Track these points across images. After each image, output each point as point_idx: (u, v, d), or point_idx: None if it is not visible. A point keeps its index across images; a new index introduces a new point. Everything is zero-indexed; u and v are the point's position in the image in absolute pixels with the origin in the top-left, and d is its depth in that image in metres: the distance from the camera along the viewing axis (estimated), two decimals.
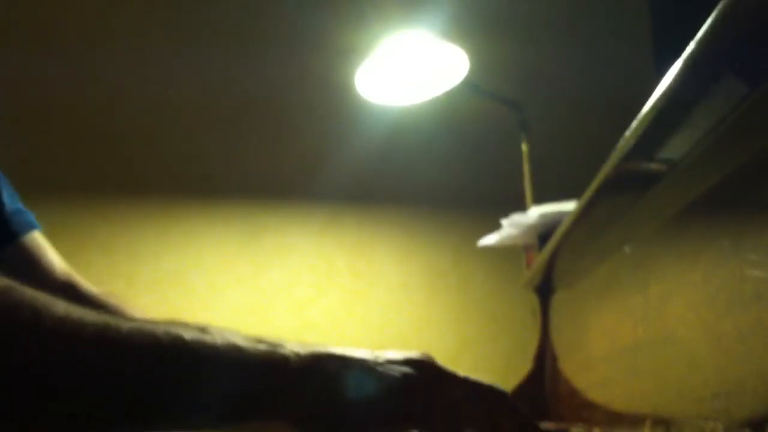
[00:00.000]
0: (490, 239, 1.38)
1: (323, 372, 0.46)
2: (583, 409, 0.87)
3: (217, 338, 0.44)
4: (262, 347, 0.45)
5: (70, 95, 2.29)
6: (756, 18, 0.40)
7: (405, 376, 0.47)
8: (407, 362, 0.48)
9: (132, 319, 0.43)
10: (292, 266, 2.50)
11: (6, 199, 0.78)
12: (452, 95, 1.90)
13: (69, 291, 0.76)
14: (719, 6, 0.41)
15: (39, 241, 0.79)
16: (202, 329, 0.44)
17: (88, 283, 0.80)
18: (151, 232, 2.42)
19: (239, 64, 2.32)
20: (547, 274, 1.09)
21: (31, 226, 0.79)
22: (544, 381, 1.14)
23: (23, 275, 0.45)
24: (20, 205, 0.79)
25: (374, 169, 2.52)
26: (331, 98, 2.34)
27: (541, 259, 1.03)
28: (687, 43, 0.45)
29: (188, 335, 0.43)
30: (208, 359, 0.43)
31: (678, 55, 0.46)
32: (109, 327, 0.41)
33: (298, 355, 0.46)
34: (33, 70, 2.19)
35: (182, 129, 2.44)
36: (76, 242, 2.27)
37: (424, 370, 0.48)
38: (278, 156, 2.51)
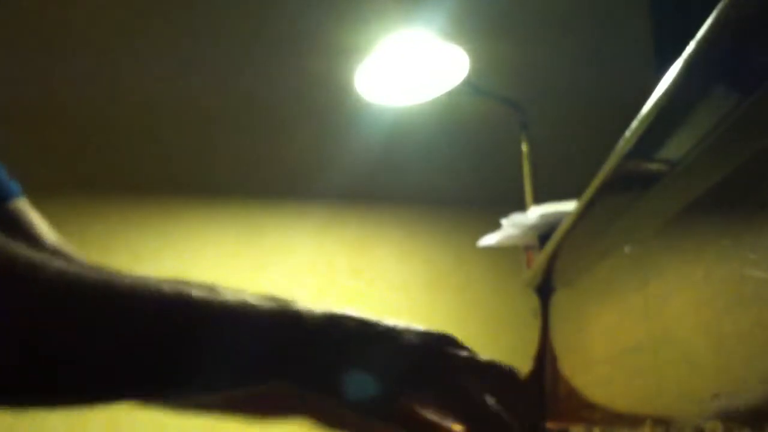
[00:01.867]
0: (490, 239, 1.38)
1: (337, 331, 0.44)
2: (583, 409, 0.87)
3: (227, 295, 0.42)
4: (273, 304, 0.43)
5: (70, 95, 2.29)
6: (756, 18, 0.40)
7: (424, 344, 0.45)
8: (427, 334, 0.46)
9: (136, 276, 0.41)
10: (292, 266, 2.50)
11: None
12: (452, 95, 1.90)
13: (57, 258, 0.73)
14: (719, 6, 0.41)
15: (25, 208, 0.73)
16: (211, 288, 0.42)
17: (79, 255, 0.74)
18: (151, 232, 2.42)
19: (239, 64, 2.32)
20: (547, 274, 1.09)
21: (16, 193, 0.73)
22: (544, 381, 1.14)
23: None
24: (3, 174, 0.73)
25: (374, 169, 2.52)
26: (331, 98, 2.34)
27: (541, 259, 1.03)
28: (687, 43, 0.45)
29: (196, 292, 0.41)
30: (218, 315, 0.41)
31: (678, 55, 0.46)
32: (112, 281, 0.40)
33: (311, 313, 0.44)
34: (33, 70, 2.19)
35: (182, 129, 2.44)
36: (77, 242, 2.26)
37: (444, 343, 0.46)
38: (278, 156, 2.51)
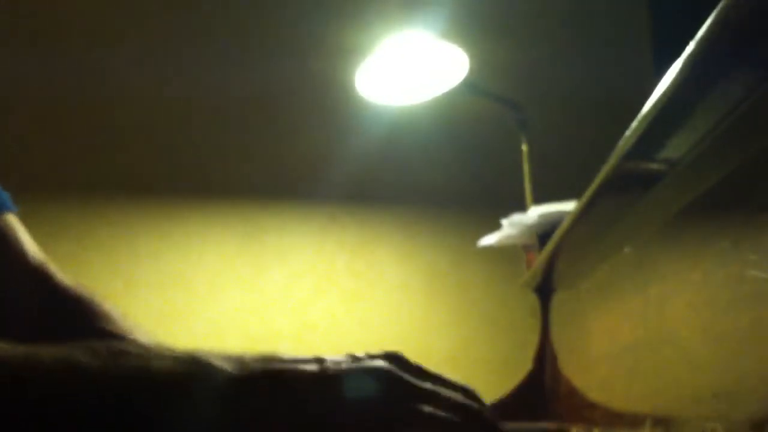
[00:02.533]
0: (490, 239, 1.38)
1: (254, 381, 0.40)
2: (583, 409, 0.87)
3: (132, 362, 0.38)
4: (181, 365, 0.40)
5: (70, 95, 2.29)
6: (756, 18, 0.40)
7: (360, 391, 0.41)
8: (366, 371, 0.42)
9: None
10: (292, 266, 2.50)
11: None
12: (452, 95, 1.90)
13: (40, 281, 0.70)
14: (719, 6, 0.41)
15: (12, 224, 0.70)
16: (94, 352, 0.38)
17: (62, 275, 0.73)
18: (151, 232, 2.42)
19: (239, 64, 2.32)
20: (547, 275, 1.09)
21: (4, 206, 0.71)
22: (544, 381, 1.14)
23: None
24: None
25: (374, 169, 2.52)
26: (331, 98, 2.34)
27: (541, 259, 1.03)
28: (687, 43, 0.45)
29: (49, 358, 0.37)
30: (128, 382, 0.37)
31: (678, 55, 0.46)
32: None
33: (224, 373, 0.40)
34: (33, 70, 2.19)
35: (182, 129, 2.44)
36: (76, 242, 2.27)
37: (385, 379, 0.42)
38: (278, 156, 2.51)
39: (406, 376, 0.43)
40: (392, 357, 0.45)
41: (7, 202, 0.71)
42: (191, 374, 0.39)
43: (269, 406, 0.40)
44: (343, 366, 0.42)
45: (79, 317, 0.69)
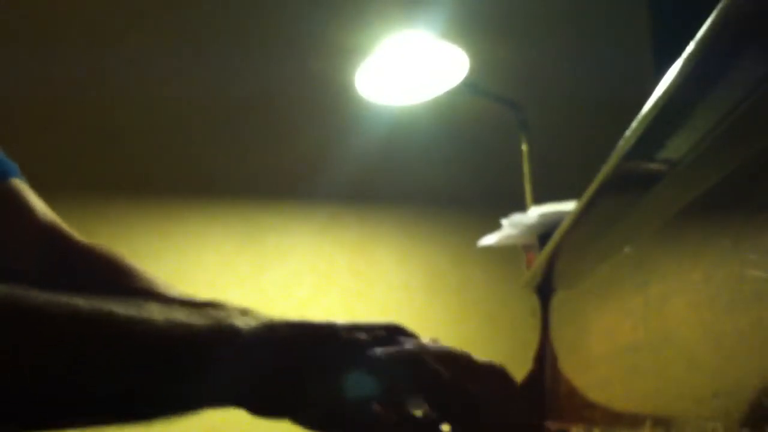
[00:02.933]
0: (490, 239, 1.38)
1: (279, 343, 0.41)
2: (583, 409, 0.87)
3: (155, 314, 0.39)
4: (206, 320, 0.41)
5: (70, 95, 2.29)
6: (756, 18, 0.40)
7: (378, 348, 0.42)
8: (380, 328, 0.43)
9: (58, 294, 0.38)
10: (292, 266, 2.50)
11: None
12: (452, 95, 1.90)
13: (52, 240, 0.68)
14: (719, 6, 0.41)
15: (20, 187, 0.69)
16: (139, 305, 0.39)
17: (75, 234, 0.71)
18: (151, 232, 2.42)
19: (239, 64, 2.32)
20: (547, 275, 1.09)
21: (11, 173, 0.69)
22: (544, 381, 1.14)
23: (1, 222, 0.42)
24: (1, 154, 0.70)
25: (374, 169, 2.52)
26: (332, 98, 2.34)
27: (541, 259, 1.03)
28: (687, 43, 0.45)
29: (122, 311, 0.38)
30: (145, 338, 0.38)
31: (678, 55, 0.46)
32: (68, 307, 0.37)
33: (249, 326, 0.41)
34: (33, 70, 2.19)
35: (182, 129, 2.44)
36: None
37: (394, 332, 0.44)
38: (278, 156, 2.51)
39: (435, 366, 0.44)
40: (395, 329, 0.46)
41: (14, 170, 0.69)
42: (218, 325, 0.41)
43: (299, 363, 0.41)
44: (360, 335, 0.43)
45: (98, 274, 0.67)
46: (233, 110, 2.45)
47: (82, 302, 0.38)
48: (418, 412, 0.44)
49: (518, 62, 2.35)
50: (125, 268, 0.69)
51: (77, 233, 0.63)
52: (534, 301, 1.22)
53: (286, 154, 2.51)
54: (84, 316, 0.37)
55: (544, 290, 1.17)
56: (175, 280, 2.52)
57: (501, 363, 0.48)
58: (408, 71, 1.82)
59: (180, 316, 0.40)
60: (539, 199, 1.59)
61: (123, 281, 0.67)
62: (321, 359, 0.41)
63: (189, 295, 0.67)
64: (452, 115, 2.32)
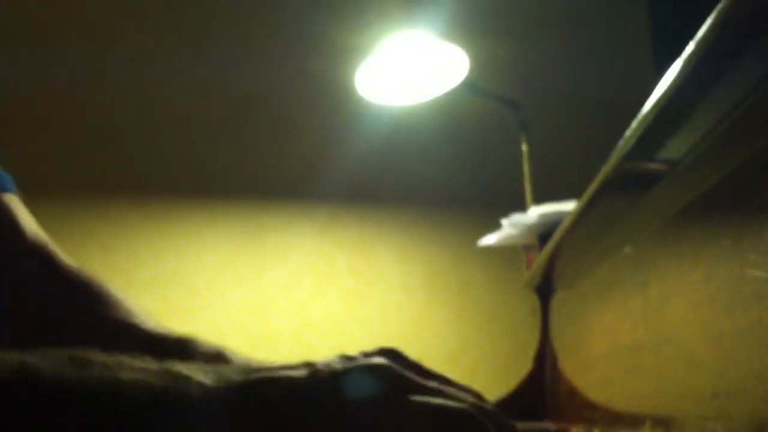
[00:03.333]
0: (490, 239, 1.38)
1: (236, 408, 0.36)
2: (583, 409, 0.87)
3: (95, 372, 0.34)
4: (158, 382, 0.35)
5: (70, 95, 2.29)
6: (756, 18, 0.40)
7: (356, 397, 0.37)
8: (363, 369, 0.38)
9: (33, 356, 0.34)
10: (292, 266, 2.50)
11: None
12: (452, 95, 1.90)
13: (40, 262, 0.66)
14: (719, 6, 0.41)
15: (11, 204, 0.66)
16: (82, 363, 0.34)
17: (64, 256, 0.68)
18: (151, 232, 2.42)
19: (239, 64, 2.32)
20: (547, 275, 1.09)
21: (3, 186, 0.66)
22: (544, 381, 1.14)
23: None
24: None
25: (374, 169, 2.52)
26: (331, 98, 2.34)
27: (541, 259, 1.03)
28: (687, 43, 0.45)
29: (49, 372, 0.33)
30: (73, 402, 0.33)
31: (678, 55, 0.46)
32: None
33: (202, 387, 0.36)
34: (33, 70, 2.19)
35: (182, 129, 2.44)
36: (76, 242, 2.27)
37: (385, 376, 0.38)
38: (278, 156, 2.51)
39: (408, 373, 0.39)
40: (389, 352, 0.41)
41: (7, 183, 0.67)
42: (164, 388, 0.35)
43: (253, 418, 0.36)
44: (337, 366, 0.38)
45: (80, 301, 0.66)
46: (233, 110, 2.45)
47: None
48: None
49: (518, 62, 2.35)
50: (105, 296, 0.67)
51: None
52: (534, 301, 1.22)
53: (286, 154, 2.51)
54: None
55: (544, 290, 1.17)
56: (175, 280, 2.53)
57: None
58: (408, 71, 1.82)
59: (129, 375, 0.35)
60: (539, 199, 1.59)
61: (101, 309, 0.66)
62: (293, 420, 0.36)
63: (163, 329, 0.66)
64: (452, 115, 2.32)
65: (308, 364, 0.39)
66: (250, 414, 0.35)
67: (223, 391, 0.36)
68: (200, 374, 0.36)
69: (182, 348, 0.62)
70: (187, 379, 0.35)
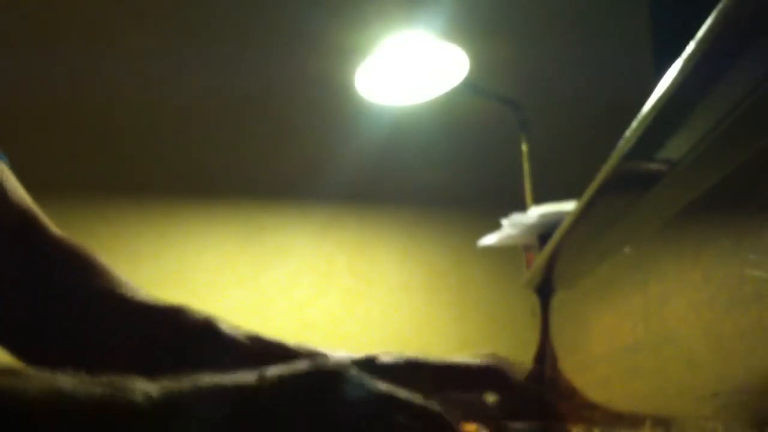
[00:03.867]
0: (490, 239, 1.38)
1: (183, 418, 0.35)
2: (583, 409, 0.87)
3: (34, 383, 0.33)
4: (98, 390, 0.34)
5: (70, 95, 2.29)
6: (756, 18, 0.40)
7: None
8: (313, 375, 0.37)
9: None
10: (292, 266, 2.50)
11: None
12: (452, 95, 1.90)
13: (26, 229, 0.63)
14: (719, 6, 0.41)
15: (0, 172, 0.63)
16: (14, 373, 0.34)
17: (52, 225, 0.65)
18: (151, 232, 2.42)
19: (239, 63, 2.32)
20: (547, 274, 1.09)
21: None
22: (544, 381, 1.14)
23: None
24: None
25: (374, 169, 2.52)
26: (331, 98, 2.34)
27: (541, 259, 1.03)
28: (687, 43, 0.45)
29: None
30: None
31: (678, 55, 0.46)
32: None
33: (149, 398, 0.35)
34: (33, 70, 2.19)
35: (182, 129, 2.44)
36: None
37: (337, 382, 0.37)
38: (278, 156, 2.51)
39: (364, 379, 0.38)
40: (363, 363, 0.41)
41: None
42: (104, 397, 0.34)
43: (197, 427, 0.35)
44: (284, 373, 0.37)
45: (68, 271, 0.63)
46: (233, 110, 2.45)
47: None
48: None
49: (518, 62, 2.35)
50: (94, 265, 0.64)
51: (77, 234, 0.62)
52: (534, 301, 1.22)
53: (286, 154, 2.51)
54: None
55: (544, 290, 1.17)
56: (175, 280, 2.53)
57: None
58: (408, 71, 1.82)
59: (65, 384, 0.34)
60: (539, 199, 1.59)
61: (89, 279, 0.63)
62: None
63: (152, 299, 0.65)
64: (452, 115, 2.32)
65: (260, 371, 0.37)
66: (189, 423, 0.35)
67: (166, 400, 0.35)
68: (144, 384, 0.35)
69: (171, 317, 0.61)
70: (130, 389, 0.34)
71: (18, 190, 0.64)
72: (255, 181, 2.52)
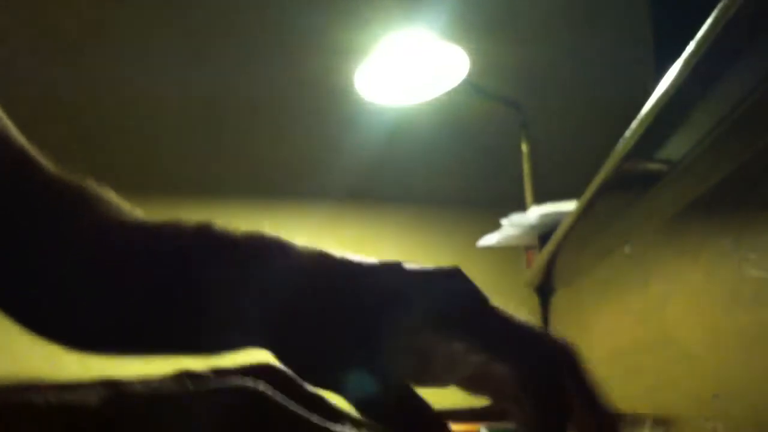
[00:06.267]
0: (490, 239, 1.38)
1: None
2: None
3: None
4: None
5: (70, 95, 2.29)
6: (756, 18, 0.40)
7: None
8: (224, 391, 0.34)
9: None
10: None
11: None
12: (452, 95, 1.90)
13: (21, 166, 0.61)
14: (719, 6, 0.41)
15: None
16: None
17: (45, 161, 0.64)
18: None
19: (240, 64, 2.32)
20: (548, 274, 1.09)
21: None
22: None
23: None
24: None
25: (374, 169, 2.52)
26: (331, 98, 2.34)
27: (541, 259, 1.03)
28: (687, 43, 0.45)
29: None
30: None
31: (678, 55, 0.46)
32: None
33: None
34: (33, 70, 2.19)
35: (182, 129, 2.44)
36: None
37: (249, 401, 0.34)
38: (278, 155, 2.51)
39: (278, 397, 0.34)
40: (266, 370, 0.37)
41: None
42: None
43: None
44: (190, 388, 0.34)
45: (66, 203, 0.59)
46: (233, 110, 2.45)
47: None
48: None
49: (518, 62, 2.35)
50: (94, 196, 0.61)
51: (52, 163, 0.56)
52: (534, 300, 1.22)
53: (287, 153, 2.51)
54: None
55: (545, 290, 1.17)
56: None
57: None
58: (408, 71, 1.82)
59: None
60: (539, 199, 1.59)
61: (90, 209, 0.60)
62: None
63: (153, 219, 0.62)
64: (452, 115, 2.32)
65: (179, 376, 0.35)
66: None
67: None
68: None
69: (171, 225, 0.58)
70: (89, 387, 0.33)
71: (9, 127, 0.62)
72: (255, 180, 2.52)
